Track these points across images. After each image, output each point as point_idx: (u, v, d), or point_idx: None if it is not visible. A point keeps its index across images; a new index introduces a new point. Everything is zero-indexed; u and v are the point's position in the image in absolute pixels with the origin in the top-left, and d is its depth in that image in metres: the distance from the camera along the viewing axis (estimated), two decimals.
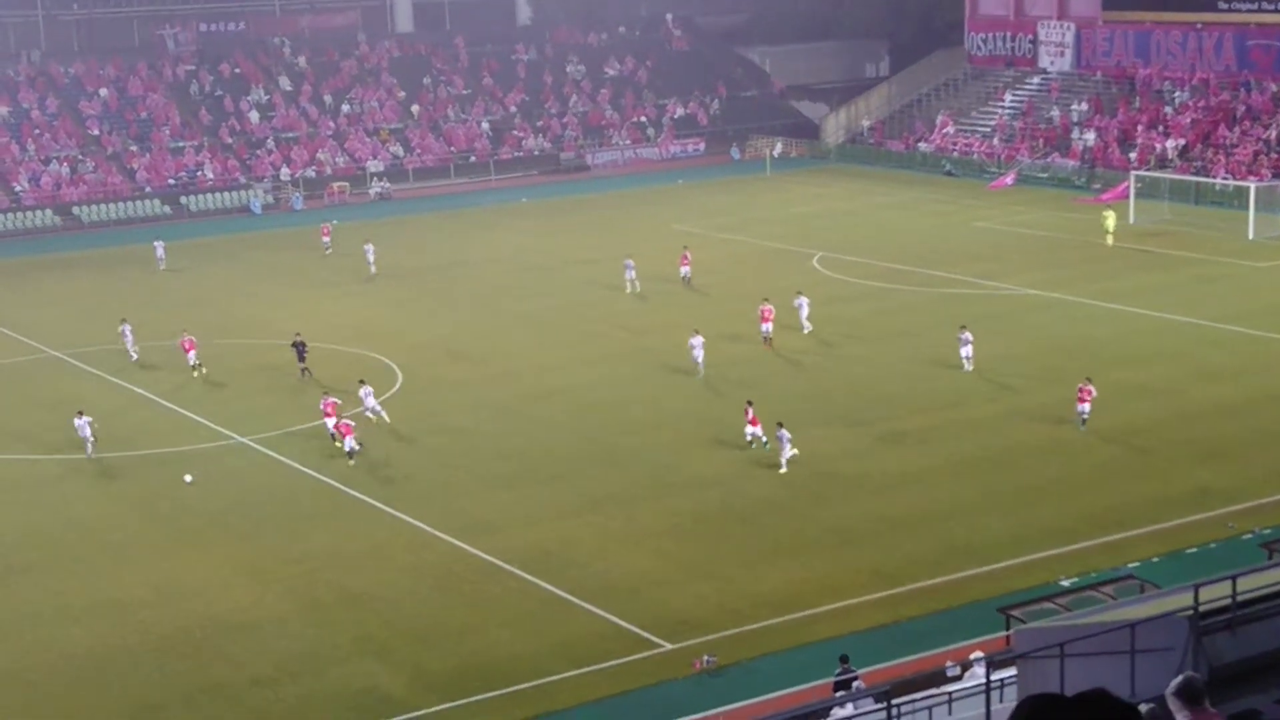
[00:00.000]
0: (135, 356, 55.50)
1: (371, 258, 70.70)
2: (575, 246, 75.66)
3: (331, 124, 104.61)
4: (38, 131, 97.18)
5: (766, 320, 54.84)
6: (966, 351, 50.39)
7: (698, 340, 51.26)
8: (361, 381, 47.84)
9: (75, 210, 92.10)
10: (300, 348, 52.45)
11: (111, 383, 53.43)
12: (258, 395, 51.46)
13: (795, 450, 41.77)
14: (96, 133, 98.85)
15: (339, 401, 46.20)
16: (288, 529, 39.35)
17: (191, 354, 53.63)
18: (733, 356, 53.38)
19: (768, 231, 78.34)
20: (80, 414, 45.06)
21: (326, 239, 76.43)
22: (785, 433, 41.70)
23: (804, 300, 56.64)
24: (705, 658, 30.97)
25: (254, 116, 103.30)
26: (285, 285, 70.07)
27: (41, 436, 47.37)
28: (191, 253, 79.09)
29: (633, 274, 64.55)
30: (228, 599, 34.98)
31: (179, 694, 30.58)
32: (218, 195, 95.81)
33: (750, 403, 43.99)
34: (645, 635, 32.32)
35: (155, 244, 75.00)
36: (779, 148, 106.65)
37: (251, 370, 54.87)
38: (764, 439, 42.77)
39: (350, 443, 44.07)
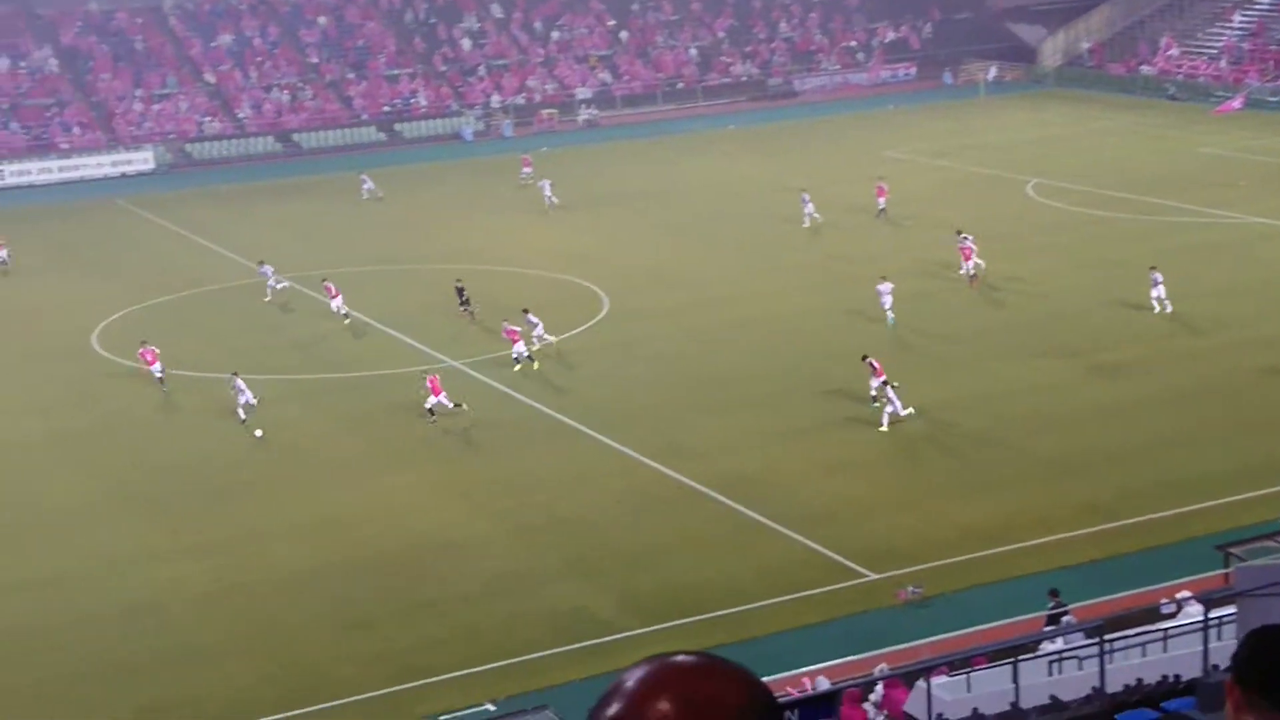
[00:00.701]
0: (271, 294, 55.03)
1: (549, 192, 70.47)
2: (781, 173, 75.00)
3: (541, 51, 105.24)
4: (259, 59, 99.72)
5: (967, 258, 52.60)
6: (1158, 293, 47.94)
7: (885, 287, 48.40)
8: (525, 311, 48.08)
9: (295, 137, 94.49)
10: (461, 291, 51.72)
11: (323, 303, 54.78)
12: (467, 321, 52.27)
13: (910, 409, 39.57)
14: (315, 61, 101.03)
15: (520, 329, 46.66)
16: (498, 452, 40.03)
17: (337, 300, 52.31)
18: (926, 290, 52.47)
19: (980, 158, 76.63)
20: (235, 374, 43.05)
21: (527, 169, 76.86)
22: (891, 392, 39.58)
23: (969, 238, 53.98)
24: (910, 588, 30.69)
25: (466, 44, 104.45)
26: (493, 212, 70.91)
27: (261, 358, 48.86)
28: (403, 179, 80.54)
29: (810, 207, 62.86)
30: (439, 519, 35.78)
31: (391, 609, 31.43)
32: (430, 122, 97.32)
33: (869, 360, 41.71)
34: (848, 564, 32.15)
35: (363, 176, 75.98)
36: (993, 72, 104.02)
37: (448, 295, 55.74)
38: (887, 401, 39.92)
39: (519, 349, 45.51)
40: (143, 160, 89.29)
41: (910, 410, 39.51)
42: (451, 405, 41.70)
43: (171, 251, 65.77)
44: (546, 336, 47.35)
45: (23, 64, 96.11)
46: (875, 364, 40.83)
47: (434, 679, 28.53)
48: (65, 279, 61.08)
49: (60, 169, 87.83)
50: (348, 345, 50.22)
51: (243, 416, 41.69)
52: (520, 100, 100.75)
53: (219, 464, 40.03)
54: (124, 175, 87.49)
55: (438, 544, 34.39)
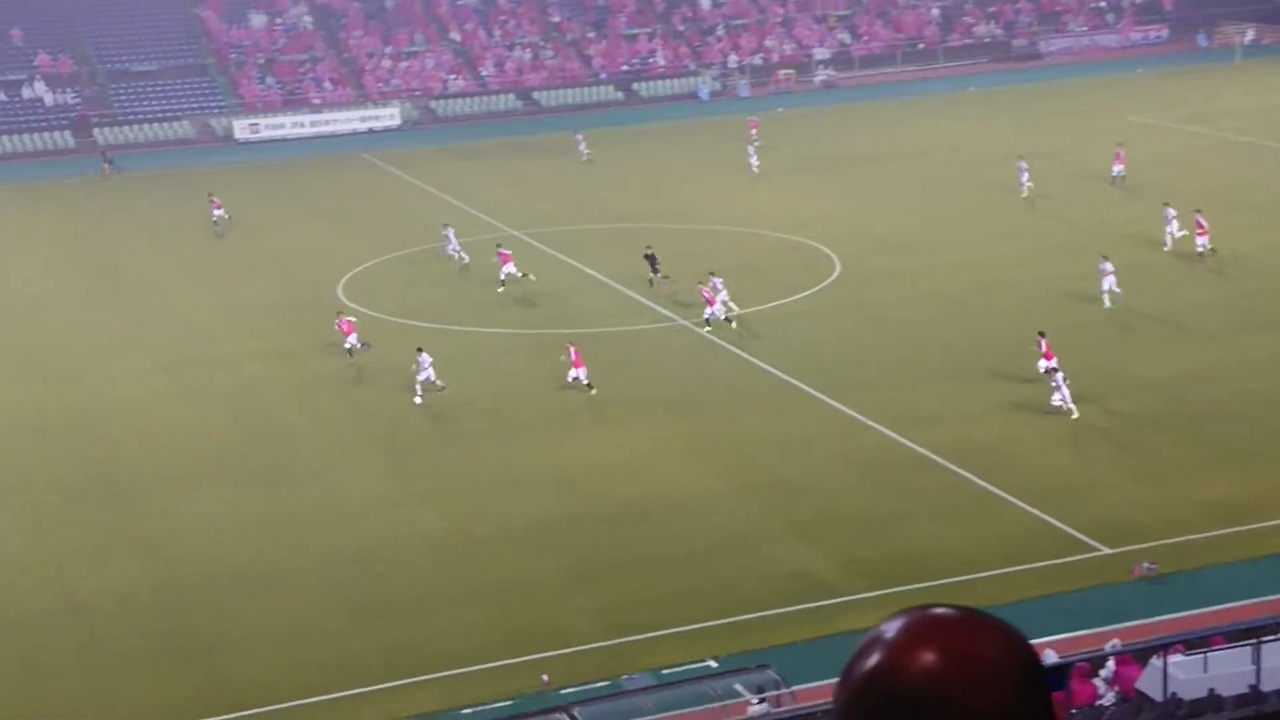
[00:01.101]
0: (465, 259, 54.70)
1: (754, 160, 69.42)
2: (1023, 138, 73.17)
3: (780, 10, 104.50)
4: (503, 18, 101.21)
5: (1202, 234, 49.94)
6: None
7: (1108, 266, 45.93)
8: (711, 274, 47.76)
9: (535, 95, 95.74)
10: (653, 259, 50.90)
11: (565, 263, 55.48)
12: (695, 281, 52.37)
13: (1076, 413, 37.36)
14: (556, 20, 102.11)
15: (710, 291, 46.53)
16: (725, 411, 40.06)
17: (508, 266, 51.54)
18: (1156, 262, 50.64)
19: (1234, 125, 73.57)
20: (420, 350, 41.91)
21: (754, 132, 76.36)
22: (1060, 377, 37.77)
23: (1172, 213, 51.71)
24: (1145, 564, 29.79)
25: (705, 3, 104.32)
26: (726, 172, 70.82)
27: (494, 311, 49.71)
28: (639, 139, 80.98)
29: (1026, 175, 60.75)
30: (666, 476, 35.98)
31: (615, 563, 31.76)
32: (667, 82, 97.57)
33: (1043, 334, 40.21)
34: (1082, 538, 31.34)
35: (577, 137, 76.41)
36: (1251, 34, 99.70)
37: (691, 256, 55.89)
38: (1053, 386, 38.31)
39: (710, 311, 45.55)
40: (389, 116, 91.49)
41: (1076, 414, 37.50)
42: (585, 381, 41.20)
43: (414, 206, 67.32)
44: (731, 305, 46.85)
45: (279, 20, 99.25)
46: (1045, 344, 39.35)
47: (657, 633, 28.75)
48: (314, 230, 63.03)
49: (311, 124, 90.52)
50: (578, 300, 50.79)
51: (419, 395, 40.85)
52: (757, 60, 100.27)
53: (450, 414, 40.91)
54: (371, 131, 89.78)
55: (663, 501, 34.59)
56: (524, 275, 51.45)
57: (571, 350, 41.66)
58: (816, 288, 50.35)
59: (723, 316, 46.09)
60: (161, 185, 75.01)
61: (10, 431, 40.65)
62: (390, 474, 37.12)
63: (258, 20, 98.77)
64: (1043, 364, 39.03)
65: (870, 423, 38.31)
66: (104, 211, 69.50)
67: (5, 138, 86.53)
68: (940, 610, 3.25)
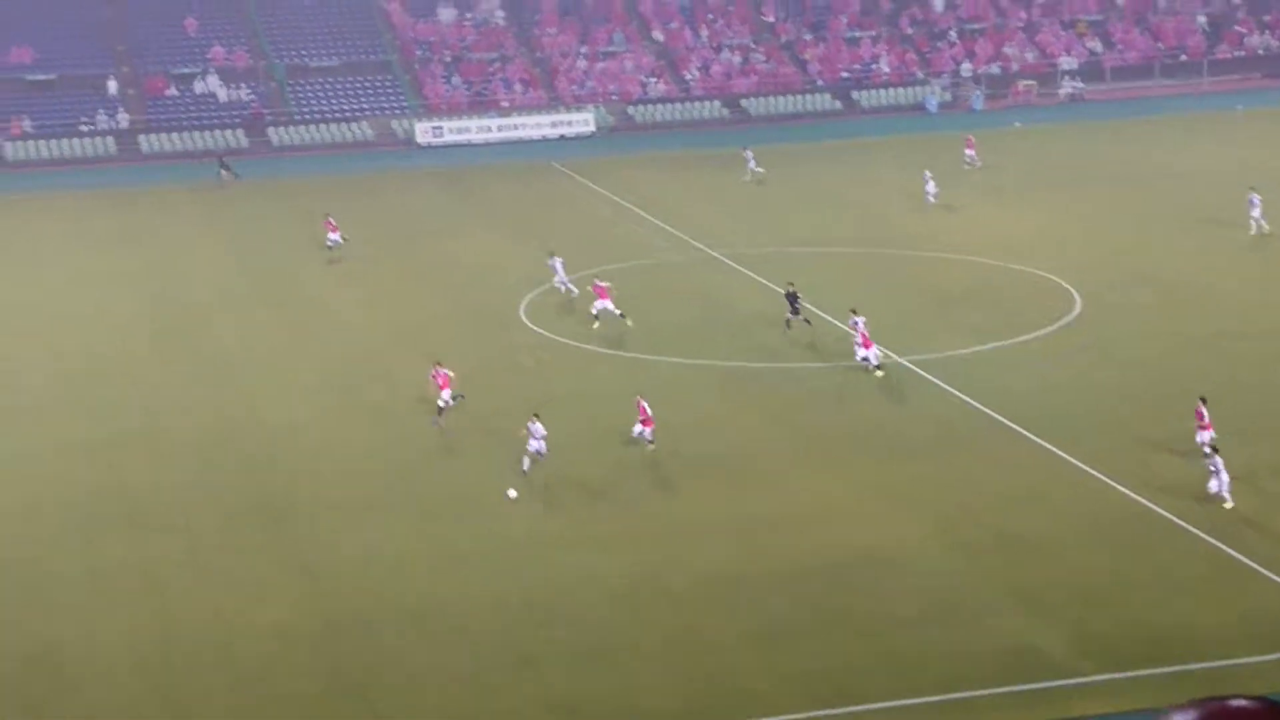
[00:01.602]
0: (574, 292, 54.09)
1: (931, 187, 67.61)
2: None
3: (1023, 15, 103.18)
4: (711, 17, 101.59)
5: None
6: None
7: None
8: (853, 311, 47.08)
9: (743, 102, 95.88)
10: (793, 298, 49.69)
11: (759, 284, 55.32)
12: (910, 313, 51.76)
13: (1226, 496, 35.33)
14: (770, 20, 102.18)
15: (865, 334, 45.76)
16: (938, 458, 39.41)
17: (604, 301, 51.04)
18: None
19: None
20: (534, 418, 39.36)
21: (970, 152, 75.40)
22: (1219, 460, 35.64)
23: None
24: None
25: (937, 4, 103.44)
26: (951, 192, 70.00)
27: (686, 340, 49.63)
28: (858, 152, 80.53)
29: (1258, 211, 58.70)
30: (868, 527, 35.48)
31: (813, 625, 31.34)
32: (891, 91, 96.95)
33: (1204, 400, 38.47)
34: None
35: (746, 153, 76.11)
36: None
37: (903, 285, 55.29)
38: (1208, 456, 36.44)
39: (865, 353, 45.00)
40: (582, 122, 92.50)
41: (1230, 505, 35.29)
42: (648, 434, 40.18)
43: (605, 220, 67.82)
44: (872, 360, 45.64)
45: (469, 16, 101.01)
46: (1204, 413, 37.64)
47: (855, 708, 28.28)
48: (497, 244, 63.90)
49: (499, 128, 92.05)
50: (777, 332, 50.58)
51: (525, 466, 38.80)
52: (994, 69, 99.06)
53: (632, 453, 40.93)
54: (562, 137, 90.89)
55: (868, 556, 34.09)
56: (621, 315, 50.98)
57: (642, 405, 40.21)
58: (1055, 325, 49.40)
59: (874, 363, 45.36)
60: (320, 192, 76.81)
61: (171, 450, 41.80)
62: (567, 516, 37.25)
63: (446, 15, 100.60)
64: (1201, 436, 37.44)
65: (1106, 478, 37.31)
66: (267, 216, 71.41)
67: (176, 135, 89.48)
68: (1240, 702, 3.02)
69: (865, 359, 45.27)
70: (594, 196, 73.53)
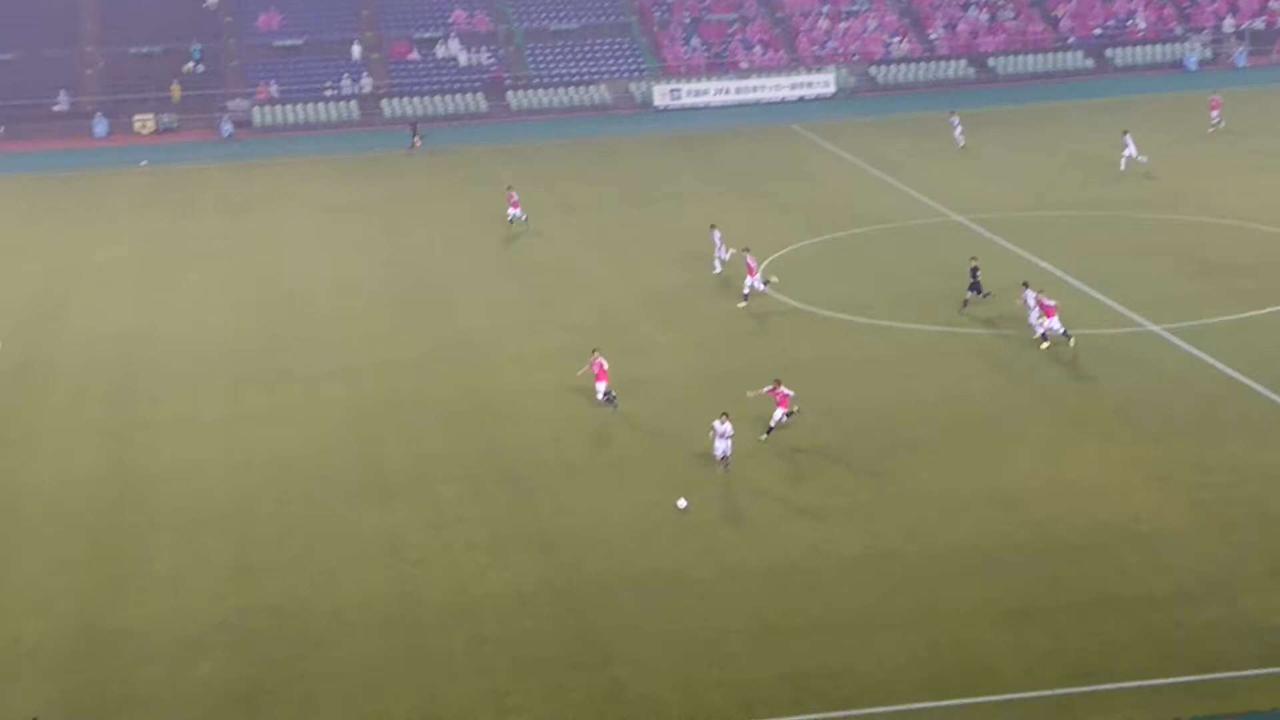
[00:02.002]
0: (719, 268, 54.03)
1: (1131, 151, 65.82)
2: None
3: None
4: None
5: None
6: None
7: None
8: (1025, 285, 45.95)
9: (990, 61, 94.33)
10: (974, 273, 48.59)
11: (1011, 252, 54.46)
12: (1172, 279, 50.47)
13: None
14: None
15: (1057, 303, 44.62)
16: (1201, 433, 38.47)
17: (753, 278, 50.98)
18: None
19: None
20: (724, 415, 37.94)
21: (1215, 114, 73.07)
22: None
23: None
24: None
25: None
26: (1216, 155, 67.99)
27: (932, 306, 49.17)
28: (1112, 113, 78.67)
29: None
30: (1127, 503, 34.83)
31: (1064, 602, 30.89)
32: (1148, 48, 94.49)
33: None
34: None
35: (952, 118, 74.61)
36: None
37: (1162, 250, 53.93)
38: None
39: (1050, 324, 44.10)
40: (823, 83, 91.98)
41: None
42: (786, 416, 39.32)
43: (847, 184, 67.43)
44: (1037, 324, 45.02)
45: None
46: None
47: (1108, 685, 27.85)
48: (735, 208, 63.92)
49: (738, 90, 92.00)
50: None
51: (720, 458, 38.01)
52: (1259, 24, 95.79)
53: (882, 418, 40.72)
54: (801, 99, 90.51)
55: (1124, 533, 33.49)
56: (767, 281, 50.75)
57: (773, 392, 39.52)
58: None
59: (1061, 331, 44.36)
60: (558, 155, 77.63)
61: (414, 417, 42.78)
62: (810, 484, 37.21)
63: None
64: None
65: None
66: (504, 181, 72.44)
67: (417, 99, 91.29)
68: None
69: (1049, 330, 44.39)
70: (834, 160, 73.12)
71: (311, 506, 37.08)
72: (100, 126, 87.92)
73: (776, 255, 55.97)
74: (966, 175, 67.30)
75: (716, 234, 54.61)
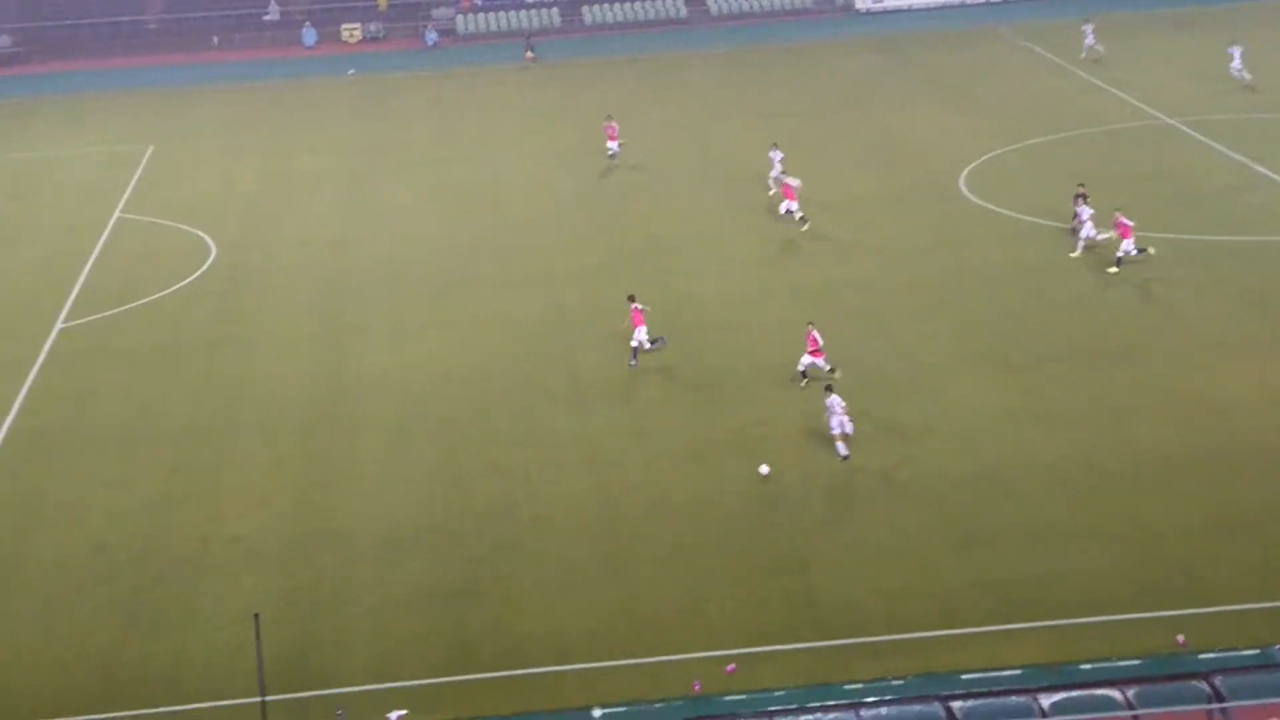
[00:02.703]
0: (773, 188, 51.95)
1: (1242, 71, 62.18)
2: None
3: None
4: None
5: None
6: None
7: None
8: (1081, 195, 44.21)
9: None
10: (1080, 198, 45.69)
11: (1227, 156, 52.90)
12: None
13: None
14: None
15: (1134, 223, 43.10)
16: None
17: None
18: None
19: None
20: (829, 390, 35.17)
21: None
22: None
23: None
24: None
25: None
26: None
27: (1140, 211, 47.90)
28: None
29: None
30: None
31: (1276, 512, 30.23)
32: None
33: None
34: None
35: (1085, 26, 71.33)
36: None
37: None
38: None
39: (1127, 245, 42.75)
40: None
41: None
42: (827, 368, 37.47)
43: (1053, 87, 65.80)
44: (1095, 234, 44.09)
45: None
46: None
47: None
48: (938, 113, 62.82)
49: None
50: (1249, 204, 48.27)
51: (840, 450, 34.38)
52: None
53: (1081, 325, 40.00)
54: (1006, 1, 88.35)
55: None
56: (802, 218, 49.17)
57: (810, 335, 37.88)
58: None
59: (1134, 251, 42.99)
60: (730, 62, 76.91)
61: (608, 328, 42.92)
62: (1011, 390, 36.73)
63: None
64: None
65: None
66: (698, 84, 71.91)
67: (618, 6, 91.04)
68: None
69: (1125, 251, 43.07)
70: (1041, 61, 71.31)
71: (512, 411, 37.58)
72: (309, 36, 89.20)
73: (978, 161, 55.00)
74: (1182, 76, 65.18)
75: (777, 154, 53.12)
